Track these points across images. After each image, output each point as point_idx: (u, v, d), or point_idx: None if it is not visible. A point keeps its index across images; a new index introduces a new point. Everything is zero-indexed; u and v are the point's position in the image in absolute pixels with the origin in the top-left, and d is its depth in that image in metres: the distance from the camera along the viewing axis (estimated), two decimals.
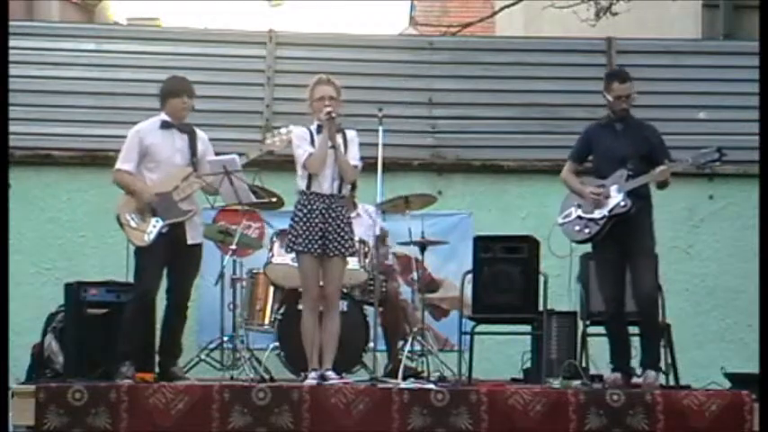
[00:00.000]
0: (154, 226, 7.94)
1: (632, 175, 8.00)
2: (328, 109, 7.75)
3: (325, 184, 7.77)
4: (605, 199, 8.02)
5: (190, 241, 8.07)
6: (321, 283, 7.83)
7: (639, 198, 8.02)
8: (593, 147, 8.24)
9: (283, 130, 8.21)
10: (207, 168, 8.19)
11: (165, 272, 8.06)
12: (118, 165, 8.12)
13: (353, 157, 7.87)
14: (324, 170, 7.77)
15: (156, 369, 8.04)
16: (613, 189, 8.02)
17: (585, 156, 8.32)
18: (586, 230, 8.07)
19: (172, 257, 8.02)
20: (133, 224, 7.97)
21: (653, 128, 8.23)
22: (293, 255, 7.91)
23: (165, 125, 8.13)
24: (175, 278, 8.09)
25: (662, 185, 8.10)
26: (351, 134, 7.94)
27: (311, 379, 7.61)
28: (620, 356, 8.08)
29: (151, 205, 7.96)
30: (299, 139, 7.86)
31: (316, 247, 7.71)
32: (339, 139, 7.84)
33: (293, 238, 7.76)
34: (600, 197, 8.01)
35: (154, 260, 7.95)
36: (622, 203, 7.98)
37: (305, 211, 7.76)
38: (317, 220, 7.73)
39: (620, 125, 8.15)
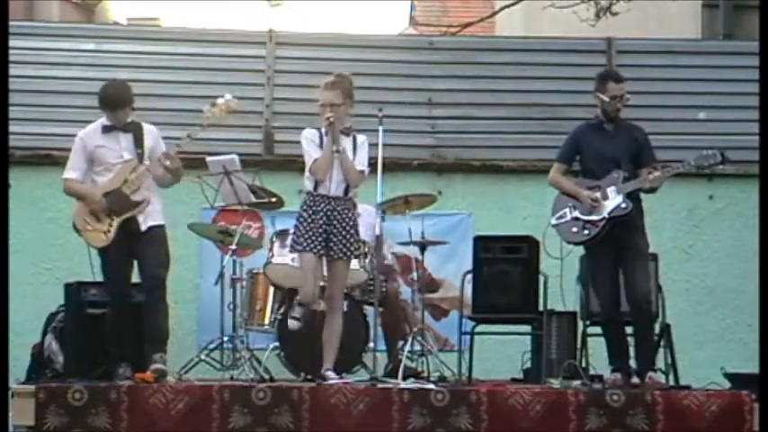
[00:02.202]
0: (110, 225, 7.92)
1: (626, 177, 8.00)
2: (327, 115, 7.76)
3: (332, 187, 7.77)
4: (603, 201, 8.02)
5: (143, 227, 8.00)
6: (321, 284, 7.85)
7: (633, 200, 8.01)
8: (582, 148, 8.21)
9: (220, 100, 8.19)
10: (160, 159, 8.05)
11: (133, 264, 8.02)
12: (65, 174, 8.10)
13: (361, 162, 7.88)
14: (329, 173, 7.77)
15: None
16: (611, 191, 8.01)
17: (574, 157, 8.30)
18: (585, 232, 8.06)
19: (132, 249, 7.98)
20: (89, 227, 7.94)
21: (641, 128, 8.23)
22: (294, 255, 7.91)
23: (106, 129, 8.06)
24: (140, 263, 8.01)
25: (651, 190, 8.09)
26: (361, 138, 7.94)
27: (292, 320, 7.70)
28: (619, 357, 8.08)
29: (102, 207, 7.93)
30: (308, 142, 7.87)
31: (319, 248, 7.72)
32: (348, 143, 7.85)
33: (296, 238, 7.78)
34: (599, 201, 8.01)
35: (116, 257, 7.94)
36: (623, 205, 7.97)
37: (310, 212, 7.77)
38: (320, 222, 7.74)
39: (611, 126, 8.14)
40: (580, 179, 8.22)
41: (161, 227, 8.07)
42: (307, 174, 7.86)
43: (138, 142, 8.05)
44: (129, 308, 8.02)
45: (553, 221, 8.21)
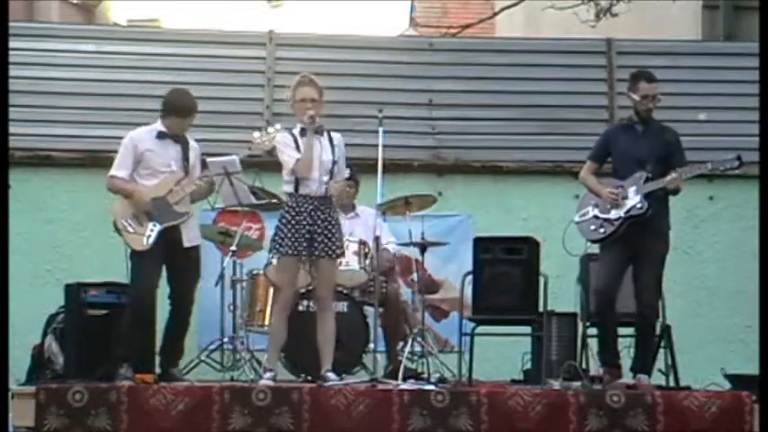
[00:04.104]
0: (152, 230, 7.96)
1: (651, 177, 8.00)
2: (311, 112, 7.75)
3: (314, 186, 7.76)
4: (623, 200, 8.03)
5: (186, 244, 8.08)
6: (310, 287, 7.87)
7: (656, 201, 8.02)
8: (612, 148, 8.23)
9: (271, 130, 8.21)
10: (198, 174, 8.20)
11: (164, 275, 8.06)
12: (112, 171, 8.12)
13: (341, 169, 7.94)
14: (311, 172, 7.76)
15: (158, 369, 8.05)
16: (631, 191, 8.03)
17: (604, 157, 8.32)
18: (601, 230, 8.09)
19: (168, 260, 8.03)
20: (131, 229, 7.97)
21: (673, 131, 8.23)
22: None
23: (160, 135, 8.13)
24: (175, 284, 8.10)
25: (674, 192, 8.12)
26: (337, 137, 7.93)
27: (266, 379, 7.64)
28: (603, 354, 8.11)
29: (147, 209, 7.97)
30: (283, 145, 7.85)
31: (302, 249, 7.71)
32: (325, 140, 7.84)
33: (280, 240, 7.74)
34: (617, 198, 8.02)
35: (150, 262, 7.96)
36: (639, 205, 7.98)
37: (293, 213, 7.75)
38: (304, 222, 7.72)
39: (642, 127, 8.15)
40: (608, 179, 8.24)
41: (199, 248, 8.19)
42: (286, 177, 7.83)
43: (185, 155, 8.16)
44: (148, 312, 8.04)
45: (576, 219, 8.25)
